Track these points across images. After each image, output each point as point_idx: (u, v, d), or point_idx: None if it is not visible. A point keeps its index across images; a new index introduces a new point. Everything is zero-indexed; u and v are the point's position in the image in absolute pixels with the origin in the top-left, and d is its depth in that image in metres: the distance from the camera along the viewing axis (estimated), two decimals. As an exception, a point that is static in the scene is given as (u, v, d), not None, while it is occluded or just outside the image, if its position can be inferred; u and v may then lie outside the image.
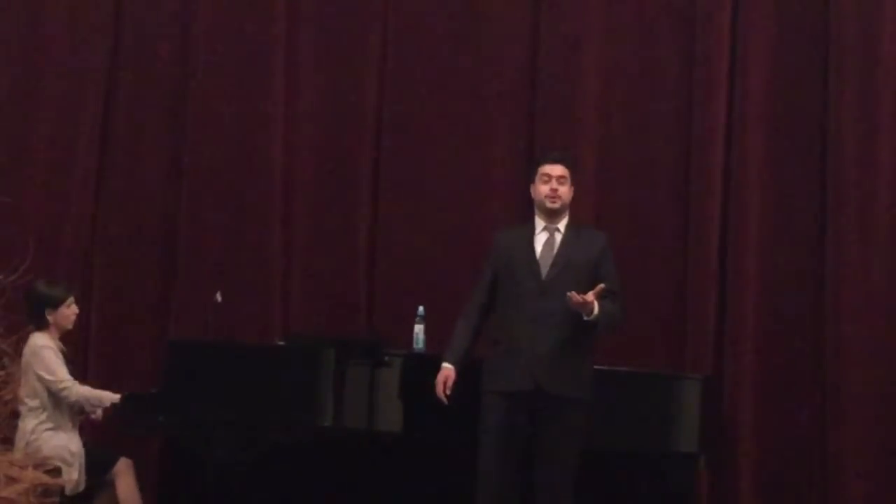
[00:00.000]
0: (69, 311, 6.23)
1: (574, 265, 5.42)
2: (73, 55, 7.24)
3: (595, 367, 5.61)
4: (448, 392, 5.47)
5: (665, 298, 6.70)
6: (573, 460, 5.38)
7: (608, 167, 6.83)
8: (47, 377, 6.06)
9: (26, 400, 6.09)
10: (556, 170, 5.54)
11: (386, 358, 6.05)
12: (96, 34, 7.23)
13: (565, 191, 5.54)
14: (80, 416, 6.19)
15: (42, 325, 6.16)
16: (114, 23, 7.25)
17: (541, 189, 5.54)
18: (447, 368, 5.50)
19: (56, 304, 6.18)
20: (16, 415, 6.15)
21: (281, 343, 6.46)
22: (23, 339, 6.17)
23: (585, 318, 5.29)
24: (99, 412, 6.20)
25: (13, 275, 6.26)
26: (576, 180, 5.67)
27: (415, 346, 6.32)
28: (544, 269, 5.45)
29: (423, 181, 7.00)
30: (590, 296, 5.24)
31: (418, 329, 6.33)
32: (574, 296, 5.21)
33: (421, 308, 6.36)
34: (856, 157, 6.49)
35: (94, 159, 7.20)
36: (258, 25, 7.14)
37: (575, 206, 5.80)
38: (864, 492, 6.33)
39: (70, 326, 6.29)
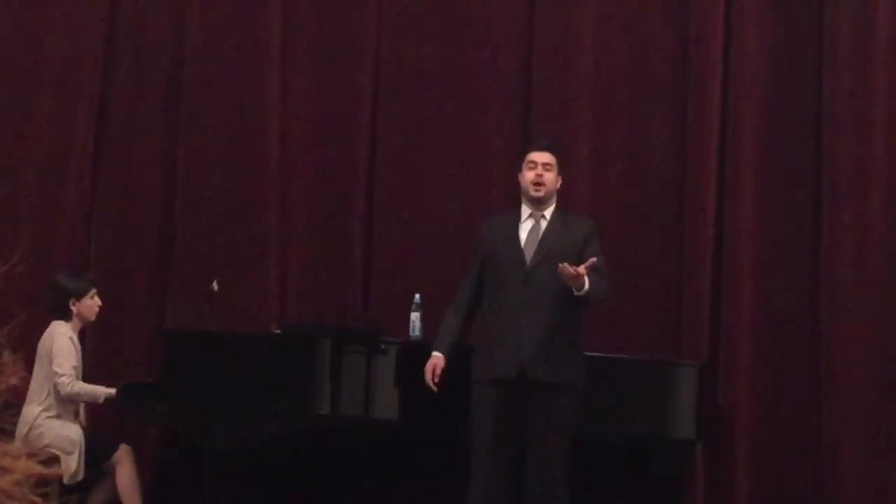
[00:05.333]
0: (93, 303, 6.30)
1: (559, 252, 5.38)
2: (68, 45, 7.24)
3: (591, 354, 5.62)
4: (437, 380, 5.48)
5: (661, 285, 6.68)
6: (564, 447, 5.37)
7: (603, 156, 6.81)
8: (54, 365, 6.11)
9: (34, 385, 6.15)
10: (543, 157, 5.54)
11: (382, 346, 6.05)
12: (92, 26, 7.22)
13: (551, 178, 5.52)
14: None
15: (66, 316, 6.24)
16: (109, 14, 7.25)
17: (526, 176, 5.54)
18: (436, 357, 5.51)
19: (80, 295, 6.25)
20: (8, 405, 6.17)
21: (277, 331, 6.46)
22: (14, 330, 6.19)
23: (576, 293, 5.26)
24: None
25: (5, 265, 6.26)
26: (566, 169, 5.67)
27: (411, 333, 6.31)
28: (529, 257, 5.44)
29: (419, 169, 6.98)
30: (581, 268, 5.21)
31: (415, 317, 6.32)
32: (566, 267, 5.17)
33: (417, 296, 6.36)
34: (852, 146, 6.46)
35: (90, 150, 7.20)
36: (254, 19, 7.13)
37: (570, 195, 5.80)
38: (860, 477, 6.33)
39: (93, 318, 6.36)
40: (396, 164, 7.02)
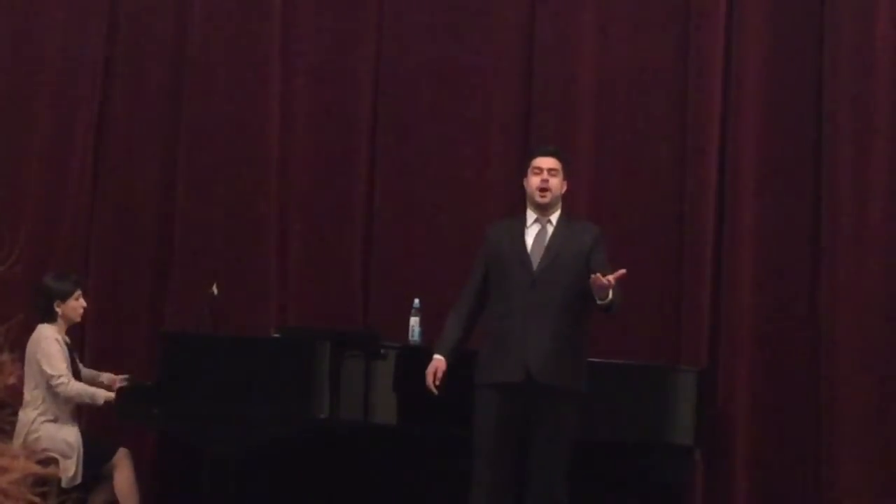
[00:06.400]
0: (77, 304, 6.29)
1: (565, 257, 5.43)
2: (69, 47, 7.23)
3: (591, 359, 5.62)
4: (438, 383, 5.48)
5: (661, 291, 6.69)
6: (566, 452, 5.38)
7: (604, 161, 6.83)
8: (46, 369, 6.10)
9: (27, 390, 6.13)
10: (548, 162, 5.56)
11: (382, 350, 6.05)
12: (92, 25, 7.22)
13: (556, 183, 5.54)
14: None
15: (51, 318, 6.23)
16: (109, 12, 7.25)
17: (532, 181, 5.56)
18: (438, 360, 5.52)
19: (65, 296, 6.24)
20: (4, 405, 6.17)
21: (277, 335, 6.45)
22: (12, 330, 6.19)
23: (599, 302, 5.28)
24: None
25: (2, 266, 6.27)
26: (570, 174, 5.69)
27: (410, 338, 6.32)
28: (535, 262, 5.45)
29: (419, 174, 6.99)
30: (612, 278, 5.23)
31: (414, 321, 6.34)
32: (599, 278, 5.19)
33: (417, 300, 6.37)
34: (852, 151, 6.49)
35: (90, 150, 7.20)
36: (254, 20, 7.13)
37: (571, 200, 5.80)
38: (859, 482, 6.33)
39: (78, 319, 6.36)
40: (396, 168, 7.02)
